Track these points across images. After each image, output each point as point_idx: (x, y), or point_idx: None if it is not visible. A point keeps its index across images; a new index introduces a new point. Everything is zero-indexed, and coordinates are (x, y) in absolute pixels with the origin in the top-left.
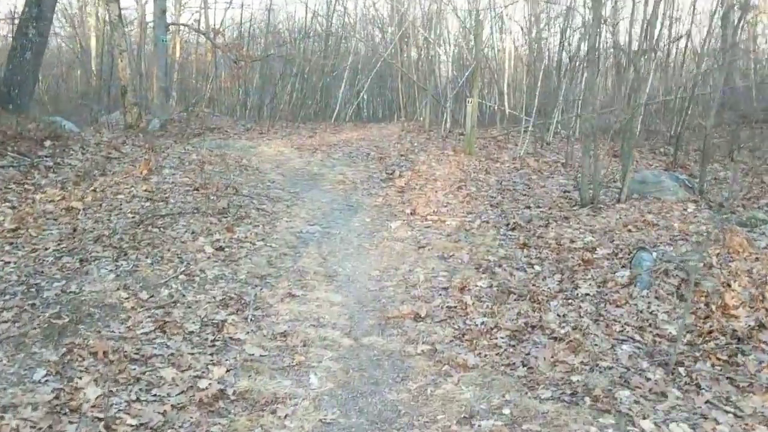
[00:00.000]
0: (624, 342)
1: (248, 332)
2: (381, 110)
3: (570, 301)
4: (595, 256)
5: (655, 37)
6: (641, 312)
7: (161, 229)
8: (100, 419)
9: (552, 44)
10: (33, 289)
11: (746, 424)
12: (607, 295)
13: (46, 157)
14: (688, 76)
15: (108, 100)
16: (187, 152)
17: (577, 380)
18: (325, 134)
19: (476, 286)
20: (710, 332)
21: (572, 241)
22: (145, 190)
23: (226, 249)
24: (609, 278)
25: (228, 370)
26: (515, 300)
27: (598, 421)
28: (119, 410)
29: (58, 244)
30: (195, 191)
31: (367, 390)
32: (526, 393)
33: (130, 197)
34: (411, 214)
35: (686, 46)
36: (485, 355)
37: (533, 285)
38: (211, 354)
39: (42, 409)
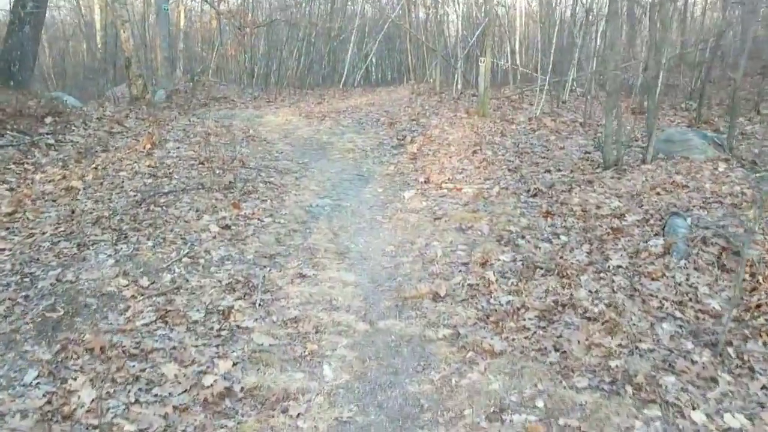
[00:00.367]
0: (664, 320)
1: (256, 319)
2: (390, 73)
3: (601, 274)
4: (624, 223)
5: None
6: (680, 285)
7: (164, 207)
8: (95, 427)
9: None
10: (27, 279)
11: None
12: (641, 267)
13: (47, 134)
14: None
15: (114, 72)
16: (192, 124)
17: (616, 366)
18: (333, 100)
19: (499, 260)
20: (758, 306)
21: (598, 207)
22: (149, 166)
23: (233, 227)
24: (642, 248)
25: (235, 364)
26: (542, 275)
27: (643, 413)
28: (116, 415)
29: (56, 228)
30: (200, 165)
31: (386, 381)
32: (561, 382)
33: (133, 174)
34: (425, 182)
35: None
36: (513, 339)
37: (560, 258)
38: (217, 346)
39: (32, 417)
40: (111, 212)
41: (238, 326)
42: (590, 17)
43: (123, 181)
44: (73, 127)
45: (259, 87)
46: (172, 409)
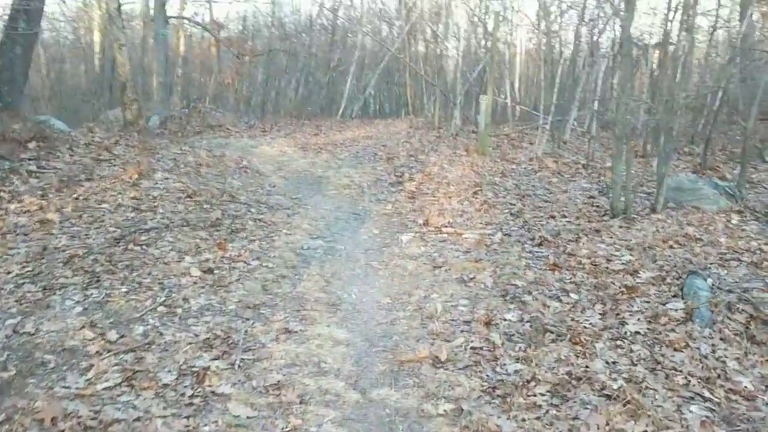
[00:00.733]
0: (692, 401)
1: (235, 384)
2: (388, 106)
3: (618, 342)
4: (638, 280)
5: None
6: (706, 358)
7: (143, 246)
8: None
9: (565, 38)
10: None
11: None
12: (661, 334)
13: (29, 160)
14: (712, 71)
15: (110, 96)
16: (184, 153)
17: None
18: (330, 132)
19: (504, 320)
20: None
21: (609, 261)
22: (133, 198)
23: (216, 271)
24: (660, 311)
25: None
26: (552, 341)
27: None
28: None
29: (23, 267)
30: (188, 198)
31: None
32: None
33: (115, 206)
34: (423, 224)
35: (709, 39)
36: (523, 420)
37: (572, 320)
38: (188, 417)
39: None
40: (86, 251)
41: (213, 392)
42: (594, 56)
43: (104, 215)
44: (58, 153)
45: (256, 116)
46: None
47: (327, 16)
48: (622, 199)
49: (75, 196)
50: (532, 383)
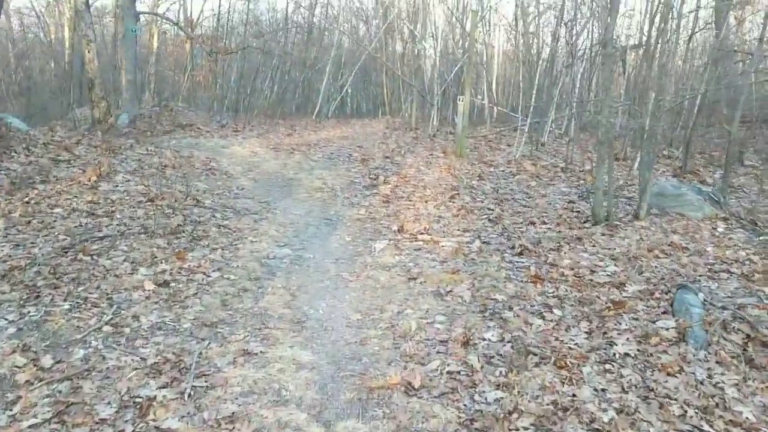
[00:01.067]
0: None
1: (183, 416)
2: (365, 105)
3: (607, 365)
4: (625, 294)
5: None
6: (702, 384)
7: (94, 257)
8: None
9: (543, 39)
10: None
11: None
12: (652, 356)
13: None
14: (687, 72)
15: (80, 93)
16: (150, 153)
17: None
18: (305, 132)
19: (483, 339)
20: None
21: (593, 272)
22: (90, 202)
23: (172, 284)
24: (650, 330)
25: None
26: (536, 365)
27: None
28: None
29: None
30: (149, 203)
31: None
32: None
33: (69, 211)
34: (398, 231)
35: (688, 42)
36: None
37: (556, 339)
38: None
39: None
40: (29, 261)
41: (157, 428)
42: (573, 57)
43: (55, 220)
44: (13, 153)
45: (229, 115)
46: None
47: (303, 14)
48: (605, 205)
49: (26, 199)
50: (514, 415)
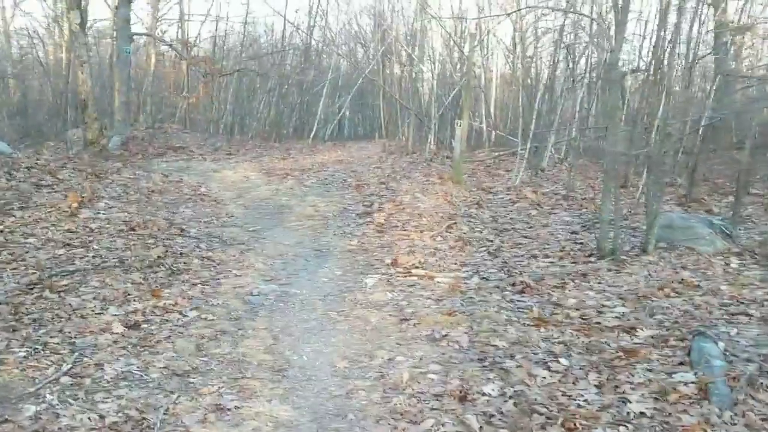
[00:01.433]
0: None
1: None
2: (362, 129)
3: (621, 427)
4: (636, 340)
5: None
6: None
7: (61, 294)
8: None
9: (541, 63)
10: None
11: None
12: (671, 416)
13: None
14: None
15: (77, 114)
16: (137, 177)
17: None
18: (299, 156)
19: (483, 394)
20: None
21: (599, 312)
22: (68, 231)
23: (144, 326)
24: (668, 385)
25: None
26: (542, 426)
27: None
28: None
29: None
30: (130, 232)
31: None
32: None
33: (44, 242)
34: (391, 264)
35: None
36: None
37: (563, 394)
38: None
39: None
40: None
41: None
42: (575, 82)
43: (27, 252)
44: None
45: (224, 137)
46: None
47: (301, 36)
48: (611, 237)
49: (0, 228)
50: None
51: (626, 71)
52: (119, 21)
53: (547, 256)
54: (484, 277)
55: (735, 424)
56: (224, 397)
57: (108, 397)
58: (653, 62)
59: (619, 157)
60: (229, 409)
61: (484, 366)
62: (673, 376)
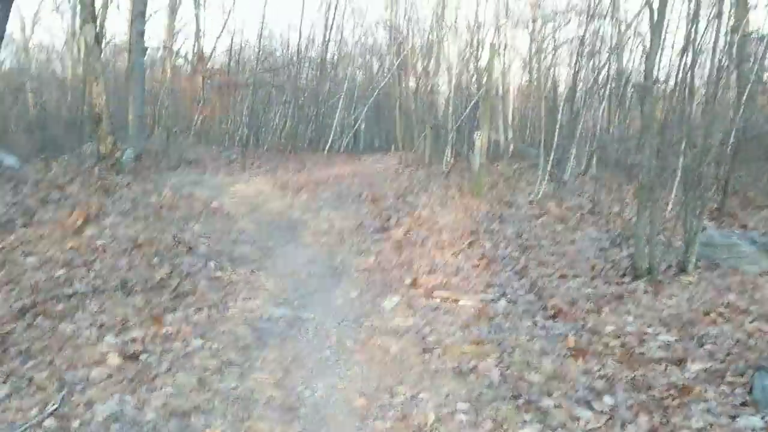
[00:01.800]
0: None
1: None
2: (378, 141)
3: None
4: (688, 375)
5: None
6: None
7: (56, 320)
8: None
9: (560, 72)
10: None
11: None
12: None
13: None
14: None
15: (92, 128)
16: (147, 192)
17: None
18: (315, 168)
19: None
20: None
21: (641, 340)
22: (70, 248)
23: (142, 356)
24: (732, 431)
25: None
26: None
27: None
28: None
29: None
30: (135, 250)
31: None
32: None
33: (43, 261)
34: (411, 285)
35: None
36: None
37: None
38: None
39: None
40: None
41: None
42: (600, 91)
43: (26, 272)
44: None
45: (239, 150)
46: None
47: (316, 49)
48: (646, 254)
49: (0, 246)
50: None
51: (661, 80)
52: (134, 34)
53: (577, 276)
54: (511, 300)
55: None
56: None
57: None
58: (683, 71)
59: (653, 171)
60: None
61: (518, 405)
62: (737, 420)
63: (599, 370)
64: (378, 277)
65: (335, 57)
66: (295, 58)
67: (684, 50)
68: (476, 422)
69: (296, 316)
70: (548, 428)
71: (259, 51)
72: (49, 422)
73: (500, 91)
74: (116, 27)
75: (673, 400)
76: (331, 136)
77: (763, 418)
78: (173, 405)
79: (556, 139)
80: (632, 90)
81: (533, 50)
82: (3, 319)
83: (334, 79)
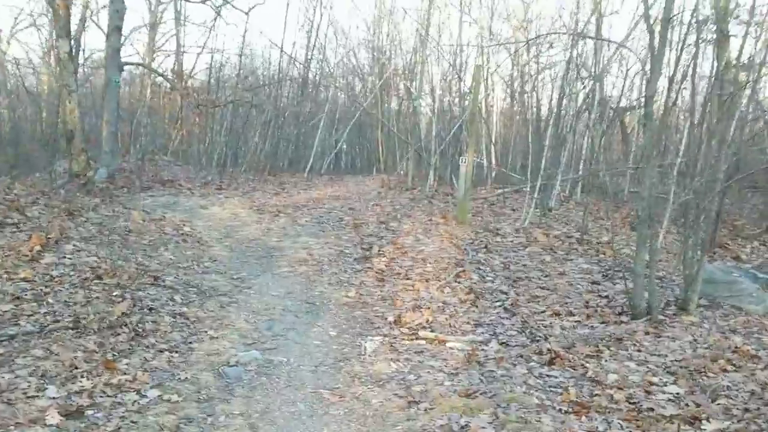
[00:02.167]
0: None
1: None
2: (359, 162)
3: None
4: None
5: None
6: None
7: None
8: None
9: (543, 96)
10: None
11: None
12: None
13: None
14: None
15: (66, 145)
16: (116, 215)
17: None
18: (294, 190)
19: None
20: None
21: (648, 393)
22: (23, 279)
23: (88, 412)
24: None
25: None
26: None
27: None
28: None
29: None
30: (95, 281)
31: None
32: None
33: None
34: (395, 323)
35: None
36: None
37: None
38: None
39: None
40: None
41: None
42: (589, 116)
43: None
44: None
45: (216, 170)
46: None
47: (298, 68)
48: (646, 294)
49: None
50: None
51: (621, 107)
52: (109, 50)
53: (571, 314)
54: (503, 342)
55: None
56: None
57: None
58: (674, 97)
59: (654, 203)
60: None
61: None
62: None
63: (605, 430)
64: (359, 313)
65: (317, 76)
66: (276, 78)
67: (683, 77)
68: None
69: (267, 360)
70: None
71: (240, 69)
72: None
73: (483, 114)
74: (96, 43)
75: None
76: (312, 157)
77: None
78: None
79: (543, 165)
80: (615, 114)
81: (516, 73)
82: None
83: (316, 99)
